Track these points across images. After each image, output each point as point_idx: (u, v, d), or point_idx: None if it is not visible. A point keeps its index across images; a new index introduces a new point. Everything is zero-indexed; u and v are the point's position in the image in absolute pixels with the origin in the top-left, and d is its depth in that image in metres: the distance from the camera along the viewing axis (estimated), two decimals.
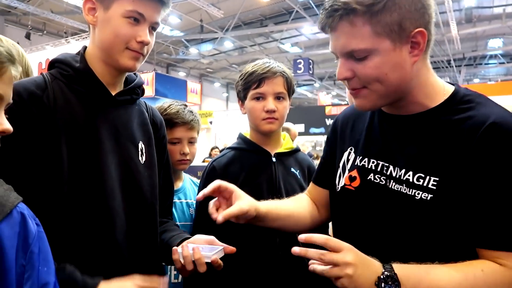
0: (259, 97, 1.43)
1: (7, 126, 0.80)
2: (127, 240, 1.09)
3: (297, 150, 1.58)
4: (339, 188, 1.08)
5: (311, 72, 13.33)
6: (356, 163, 1.04)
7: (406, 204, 0.90)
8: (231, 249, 1.09)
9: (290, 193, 1.40)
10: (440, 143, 0.89)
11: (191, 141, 1.64)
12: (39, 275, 0.76)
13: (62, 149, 1.01)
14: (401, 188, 0.92)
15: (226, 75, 22.10)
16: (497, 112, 0.87)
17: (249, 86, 1.44)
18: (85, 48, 1.15)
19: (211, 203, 1.07)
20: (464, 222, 0.85)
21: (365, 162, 1.02)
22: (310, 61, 13.44)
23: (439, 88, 0.96)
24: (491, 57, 18.35)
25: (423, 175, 0.89)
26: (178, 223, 1.57)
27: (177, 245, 1.13)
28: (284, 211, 1.17)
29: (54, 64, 1.13)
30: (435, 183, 0.87)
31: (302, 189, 1.43)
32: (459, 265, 0.83)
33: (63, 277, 0.93)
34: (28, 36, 12.61)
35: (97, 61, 1.11)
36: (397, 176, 0.94)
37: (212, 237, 1.14)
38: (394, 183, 0.94)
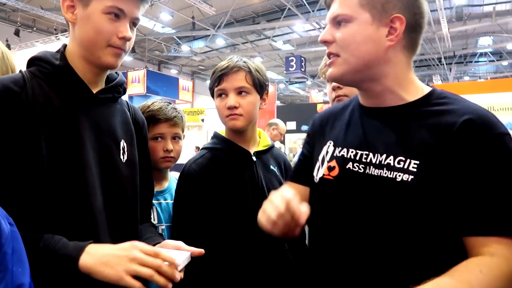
0: (221, 94, 1.41)
1: None
2: (110, 239, 1.07)
3: (272, 147, 1.56)
4: (317, 180, 1.08)
5: (303, 69, 13.34)
6: (335, 154, 1.05)
7: (386, 188, 0.92)
8: (199, 251, 1.05)
9: (272, 191, 1.38)
10: (419, 131, 0.93)
11: (175, 138, 1.61)
12: (13, 276, 0.73)
13: (41, 146, 0.99)
14: (381, 172, 0.94)
15: None
16: (474, 106, 0.93)
17: (212, 84, 1.43)
18: (65, 46, 1.14)
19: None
20: (448, 208, 0.86)
21: (344, 152, 1.04)
22: (302, 58, 13.44)
23: (417, 86, 1.01)
24: (481, 55, 18.52)
25: (403, 158, 0.91)
26: (164, 224, 1.56)
27: None
28: None
29: (33, 61, 1.11)
30: (415, 165, 0.89)
31: (280, 185, 1.41)
32: (457, 274, 0.79)
33: (52, 242, 0.94)
34: (17, 33, 12.44)
35: (78, 59, 1.10)
36: (377, 162, 0.95)
37: (179, 242, 1.10)
38: (374, 169, 0.95)
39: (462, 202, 0.86)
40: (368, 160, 0.98)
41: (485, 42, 16.66)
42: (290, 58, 13.42)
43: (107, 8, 1.04)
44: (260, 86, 1.43)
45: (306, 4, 12.42)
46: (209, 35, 15.25)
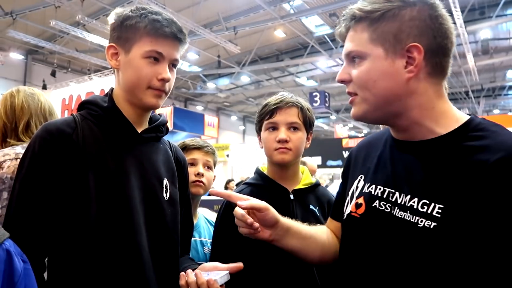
0: (272, 127, 1.42)
1: None
2: (154, 275, 1.09)
3: (316, 185, 1.53)
4: (345, 216, 1.06)
5: (327, 104, 13.39)
6: (364, 190, 1.02)
7: (408, 232, 0.86)
8: (238, 266, 1.08)
9: None
10: (448, 170, 0.85)
11: (208, 166, 1.66)
12: None
13: (89, 184, 1.04)
14: (404, 215, 0.89)
15: (242, 108, 22.40)
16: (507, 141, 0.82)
17: (263, 117, 1.44)
18: (112, 89, 1.20)
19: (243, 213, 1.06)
20: (470, 259, 0.79)
21: (372, 188, 1.00)
22: (326, 93, 13.53)
23: (451, 116, 0.93)
24: (510, 87, 18.13)
25: (428, 202, 0.85)
26: None
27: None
28: (306, 231, 1.15)
29: (84, 105, 1.18)
30: (439, 210, 0.83)
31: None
32: None
33: None
34: (53, 74, 13.14)
35: (123, 101, 1.15)
36: (402, 203, 0.90)
37: (216, 262, 1.15)
38: (398, 210, 0.90)
39: (483, 257, 0.78)
40: (393, 199, 0.93)
41: None
42: (314, 94, 13.53)
43: (146, 52, 1.09)
44: (309, 124, 1.45)
45: (329, 41, 12.64)
46: (234, 73, 15.65)
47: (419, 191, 0.88)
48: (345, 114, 20.78)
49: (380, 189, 0.97)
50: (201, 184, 1.61)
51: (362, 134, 20.71)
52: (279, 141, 1.38)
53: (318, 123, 22.00)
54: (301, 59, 13.88)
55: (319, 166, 9.87)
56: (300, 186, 1.47)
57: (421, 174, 0.89)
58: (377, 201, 0.96)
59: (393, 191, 0.94)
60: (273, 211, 1.08)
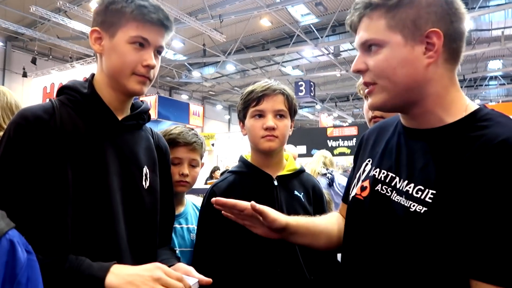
0: (258, 115, 1.41)
1: None
2: (132, 264, 1.07)
3: (301, 171, 1.53)
4: (350, 198, 1.08)
5: (312, 94, 13.44)
6: (369, 174, 1.04)
7: (401, 216, 0.89)
8: (207, 280, 1.06)
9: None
10: (447, 159, 0.86)
11: (193, 164, 1.61)
12: None
13: (68, 172, 1.02)
14: (400, 199, 0.91)
15: (228, 97, 22.30)
16: (510, 131, 0.81)
17: (248, 104, 1.43)
18: (93, 75, 1.17)
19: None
20: (458, 246, 0.81)
21: (376, 172, 1.01)
22: (312, 83, 13.57)
23: (461, 105, 0.92)
24: (491, 78, 18.48)
25: (422, 188, 0.87)
26: (178, 248, 1.55)
27: None
28: (315, 227, 1.17)
29: (62, 90, 1.15)
30: (432, 196, 0.85)
31: (306, 212, 1.40)
32: None
33: (77, 263, 0.96)
34: (34, 61, 12.83)
35: (105, 87, 1.13)
36: (400, 188, 0.93)
37: (190, 268, 1.13)
38: (396, 194, 0.93)
39: (471, 239, 0.78)
40: (393, 184, 0.95)
41: (495, 66, 16.65)
42: (299, 83, 13.55)
43: (132, 38, 1.08)
44: (294, 112, 1.46)
45: (315, 31, 12.63)
46: (220, 62, 15.53)
47: (416, 177, 0.90)
48: (330, 103, 20.90)
49: (383, 173, 0.99)
50: (185, 184, 1.59)
51: (347, 124, 20.90)
52: (266, 129, 1.38)
53: (303, 112, 22.08)
54: (286, 48, 13.84)
55: (304, 155, 9.93)
56: (284, 172, 1.48)
57: (422, 161, 0.91)
58: (380, 185, 0.98)
59: (394, 175, 0.96)
60: (279, 220, 1.08)
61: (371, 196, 0.99)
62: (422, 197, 0.86)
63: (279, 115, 1.40)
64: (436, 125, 0.92)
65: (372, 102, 0.97)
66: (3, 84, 11.36)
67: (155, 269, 0.97)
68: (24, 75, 12.81)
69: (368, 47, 0.93)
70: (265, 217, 1.07)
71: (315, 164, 4.07)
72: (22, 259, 0.74)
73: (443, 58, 0.90)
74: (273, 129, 1.38)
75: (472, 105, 0.93)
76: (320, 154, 4.26)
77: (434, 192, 0.85)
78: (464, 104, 0.92)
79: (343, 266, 1.08)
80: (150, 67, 1.10)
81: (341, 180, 3.79)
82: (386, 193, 0.96)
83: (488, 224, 0.76)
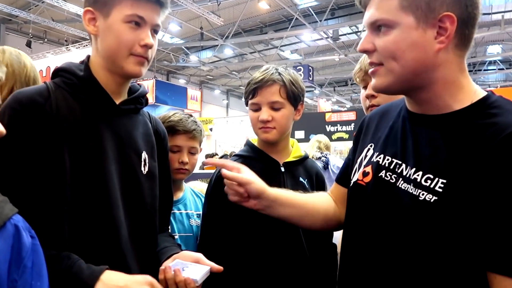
0: (255, 108, 1.42)
1: (1, 128, 0.79)
2: (131, 250, 1.08)
3: (305, 158, 1.55)
4: (352, 183, 1.06)
5: (311, 78, 13.39)
6: (372, 159, 1.01)
7: (409, 204, 0.87)
8: (218, 268, 1.06)
9: None
10: (456, 146, 0.84)
11: (192, 152, 1.61)
12: None
13: (64, 157, 1.00)
14: (408, 187, 0.89)
15: (226, 82, 22.17)
16: None
17: (247, 96, 1.45)
18: (89, 57, 1.14)
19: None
20: (470, 237, 0.80)
21: (380, 158, 0.99)
22: (310, 67, 13.51)
23: (469, 91, 0.90)
24: (490, 63, 18.42)
25: (431, 176, 0.85)
26: (177, 234, 1.56)
27: (164, 260, 1.13)
28: (297, 200, 1.17)
29: (58, 72, 1.12)
30: (442, 185, 0.83)
31: None
32: None
33: (68, 264, 0.94)
34: (29, 44, 12.67)
35: (101, 70, 1.10)
36: (407, 175, 0.91)
37: (199, 255, 1.11)
38: (402, 182, 0.91)
39: (484, 230, 0.77)
40: (399, 171, 0.93)
41: (494, 50, 16.58)
42: (298, 68, 13.46)
43: (127, 17, 1.04)
44: (294, 99, 1.42)
45: (314, 14, 12.49)
46: (217, 45, 15.38)
47: (424, 165, 0.88)
48: (328, 88, 20.82)
49: (388, 159, 0.97)
50: (185, 171, 1.59)
51: (345, 109, 20.87)
52: (261, 121, 1.39)
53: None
54: (285, 32, 13.72)
55: (302, 140, 9.94)
56: (290, 158, 1.49)
57: (430, 148, 0.89)
58: (384, 171, 0.96)
59: (400, 162, 0.94)
60: (257, 184, 1.09)
61: (374, 182, 0.98)
62: (432, 186, 0.84)
63: (274, 107, 1.39)
64: (443, 111, 0.89)
65: (376, 83, 0.94)
66: None
67: (145, 283, 0.95)
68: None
69: (377, 27, 0.89)
70: (240, 183, 1.07)
71: (309, 149, 4.12)
72: (27, 244, 0.75)
73: (454, 44, 0.87)
74: (268, 121, 1.38)
75: (480, 92, 0.90)
76: (315, 139, 4.33)
77: (444, 181, 0.83)
78: (472, 91, 0.90)
79: (343, 251, 1.08)
80: (147, 46, 1.07)
81: (335, 162, 3.82)
82: (391, 180, 0.94)
83: (503, 215, 0.75)
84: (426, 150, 0.89)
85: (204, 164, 1.13)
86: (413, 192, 0.87)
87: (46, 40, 14.02)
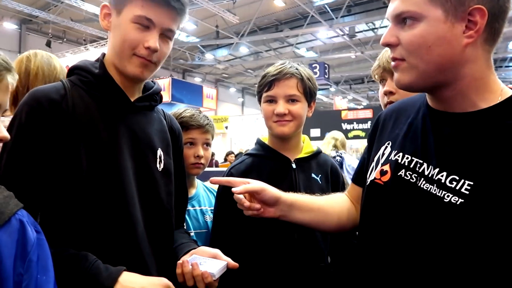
0: (271, 100, 1.39)
1: (5, 134, 0.81)
2: (148, 247, 1.09)
3: (318, 153, 1.51)
4: (368, 182, 1.03)
5: (326, 76, 13.26)
6: (390, 158, 0.98)
7: (432, 206, 0.84)
8: (234, 264, 1.07)
9: None
10: (483, 147, 0.81)
11: (206, 145, 1.63)
12: (37, 284, 0.74)
13: (81, 154, 1.01)
14: (431, 188, 0.85)
15: (241, 80, 22.17)
16: None
17: (262, 89, 1.42)
18: (104, 54, 1.15)
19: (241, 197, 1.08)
20: (499, 240, 0.76)
21: (399, 157, 0.95)
22: (326, 65, 13.38)
23: (495, 89, 0.86)
24: (511, 59, 17.93)
25: (457, 178, 0.81)
26: (192, 231, 1.57)
27: (182, 256, 1.14)
28: (315, 204, 1.15)
29: (73, 70, 1.13)
30: (468, 187, 0.79)
31: (323, 195, 1.40)
32: None
33: (86, 265, 0.95)
34: (48, 44, 12.91)
35: (114, 67, 1.10)
36: (429, 175, 0.87)
37: (217, 251, 1.12)
38: (424, 182, 0.87)
39: (506, 237, 0.75)
40: (420, 170, 0.89)
41: None
42: (313, 65, 13.36)
43: (136, 17, 1.03)
44: (310, 94, 1.41)
45: (330, 11, 12.38)
46: (233, 43, 15.39)
47: (449, 165, 0.84)
48: (344, 86, 20.62)
49: (407, 158, 0.94)
50: (200, 165, 1.61)
51: (361, 106, 20.64)
52: (277, 115, 1.36)
53: (317, 95, 21.81)
54: (300, 30, 13.62)
55: (317, 138, 9.87)
56: (302, 155, 1.47)
57: (454, 148, 0.85)
58: (403, 170, 0.93)
59: (421, 161, 0.90)
60: (271, 190, 1.07)
61: (393, 182, 0.95)
62: (457, 188, 0.81)
63: (291, 99, 1.37)
64: (468, 109, 0.86)
65: (399, 78, 0.90)
66: None
67: (160, 286, 0.97)
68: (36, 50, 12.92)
69: (402, 19, 0.85)
70: (254, 192, 1.06)
71: (325, 147, 4.03)
72: (32, 238, 0.76)
73: (483, 38, 0.82)
74: (284, 114, 1.36)
75: (507, 90, 0.86)
76: (330, 137, 4.19)
77: (471, 183, 0.79)
78: (499, 89, 0.86)
79: (360, 251, 1.05)
80: (151, 49, 1.04)
81: (350, 161, 3.76)
82: (411, 179, 0.91)
83: None
84: (450, 149, 0.86)
85: (211, 182, 1.13)
86: (437, 193, 0.84)
87: (65, 40, 14.26)
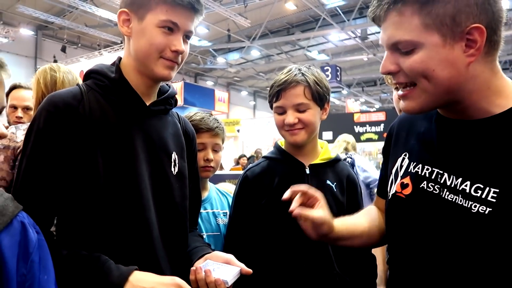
0: (279, 111, 1.39)
1: (3, 130, 0.83)
2: (163, 251, 1.09)
3: (336, 160, 1.50)
4: (390, 196, 1.01)
5: (338, 79, 13.20)
6: (409, 170, 0.96)
7: (460, 217, 0.82)
8: (248, 270, 1.06)
9: None
10: (504, 152, 0.79)
11: (215, 149, 1.63)
12: (40, 283, 0.76)
13: (98, 159, 1.02)
14: (456, 198, 0.83)
15: (253, 83, 22.22)
16: None
17: (271, 99, 1.42)
18: (120, 59, 1.16)
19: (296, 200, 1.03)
20: None
21: (418, 168, 0.93)
22: (338, 68, 13.32)
23: (508, 93, 0.84)
24: None
25: (482, 186, 0.80)
26: (205, 233, 1.57)
27: (196, 260, 1.14)
28: (358, 228, 1.12)
29: (90, 75, 1.14)
30: (495, 195, 0.77)
31: (336, 203, 1.38)
32: None
33: (98, 265, 0.96)
34: (63, 49, 13.17)
35: (132, 72, 1.11)
36: (452, 185, 0.85)
37: (230, 256, 1.11)
38: (448, 193, 0.85)
39: None
40: (442, 181, 0.87)
41: None
42: (325, 68, 13.32)
43: (161, 22, 1.05)
44: (320, 99, 1.39)
45: (341, 14, 12.34)
46: (244, 47, 15.45)
47: (471, 174, 0.82)
48: (356, 88, 20.50)
49: (428, 169, 0.92)
50: (210, 169, 1.61)
51: (374, 109, 20.48)
52: (287, 125, 1.36)
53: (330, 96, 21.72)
54: (312, 32, 13.61)
55: (330, 141, 9.83)
56: (317, 161, 1.45)
57: (474, 155, 0.83)
58: (425, 182, 0.91)
59: (442, 172, 0.88)
60: (328, 225, 1.02)
61: (415, 194, 0.92)
62: (483, 196, 0.79)
63: (300, 108, 1.36)
64: (482, 116, 0.84)
65: (408, 107, 0.88)
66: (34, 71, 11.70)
67: (172, 285, 0.96)
68: (55, 63, 13.18)
69: (398, 48, 0.84)
70: (314, 221, 1.00)
71: (336, 150, 4.01)
72: (33, 239, 0.77)
73: (484, 52, 0.81)
74: (295, 124, 1.35)
75: None
76: (342, 139, 4.16)
77: (497, 190, 0.77)
78: (511, 92, 0.85)
79: (392, 268, 1.03)
80: (178, 52, 1.08)
81: (360, 163, 3.72)
82: (434, 191, 0.89)
83: None
84: (469, 157, 0.84)
85: (292, 191, 1.07)
86: (463, 204, 0.82)
87: (79, 45, 14.51)
